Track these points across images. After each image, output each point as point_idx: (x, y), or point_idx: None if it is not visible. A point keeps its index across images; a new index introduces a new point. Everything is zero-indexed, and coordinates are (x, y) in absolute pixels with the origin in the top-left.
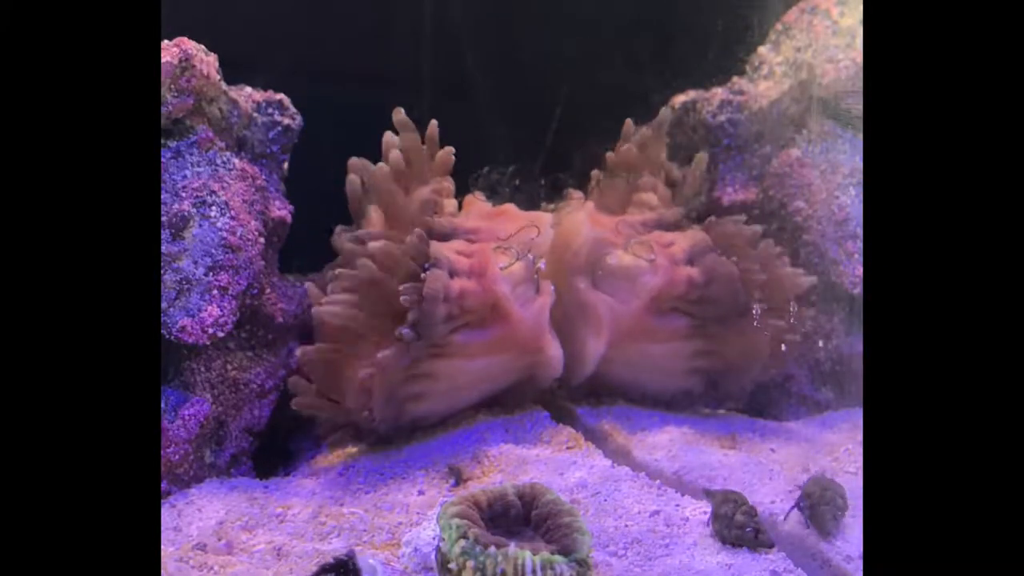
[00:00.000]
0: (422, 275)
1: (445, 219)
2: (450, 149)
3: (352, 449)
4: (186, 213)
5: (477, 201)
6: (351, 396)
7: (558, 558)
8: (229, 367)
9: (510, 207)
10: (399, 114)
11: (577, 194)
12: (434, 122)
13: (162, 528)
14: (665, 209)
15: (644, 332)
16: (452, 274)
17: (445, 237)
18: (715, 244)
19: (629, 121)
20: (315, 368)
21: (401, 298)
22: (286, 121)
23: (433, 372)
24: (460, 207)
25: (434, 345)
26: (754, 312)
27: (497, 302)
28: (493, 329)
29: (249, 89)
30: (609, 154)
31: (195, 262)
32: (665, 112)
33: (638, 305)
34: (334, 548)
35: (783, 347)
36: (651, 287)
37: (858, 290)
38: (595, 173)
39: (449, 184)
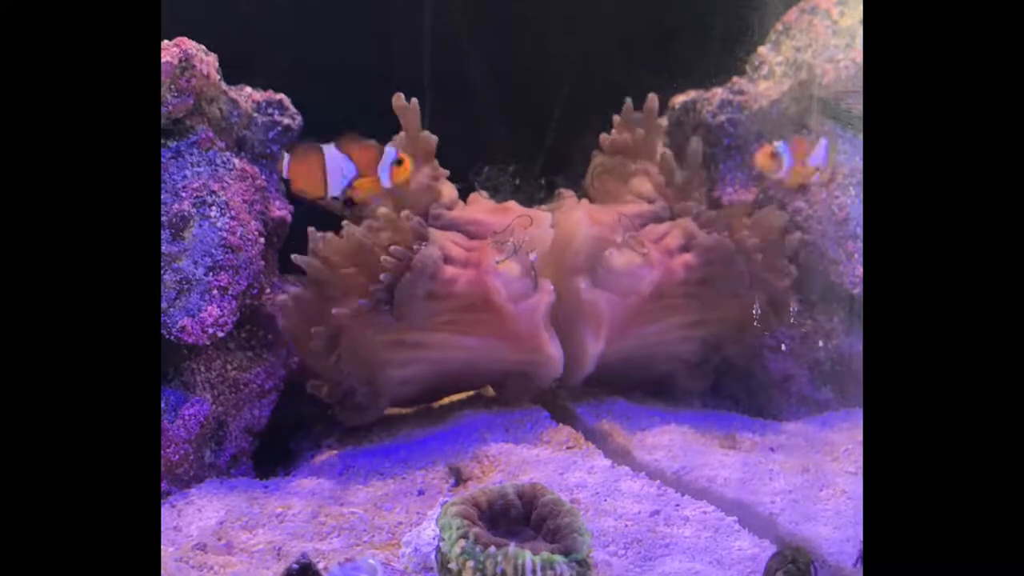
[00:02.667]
0: (414, 247)
1: (443, 210)
2: (432, 136)
3: (351, 446)
4: (186, 213)
5: (481, 199)
6: (316, 341)
7: (558, 558)
8: (229, 367)
9: (512, 204)
10: (399, 99)
11: (568, 193)
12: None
13: (162, 528)
14: (659, 197)
15: (644, 319)
16: (446, 259)
17: (443, 228)
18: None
19: (629, 101)
20: (291, 313)
21: (383, 258)
22: (286, 121)
23: (416, 342)
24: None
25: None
26: (754, 312)
27: (488, 294)
28: (483, 316)
29: (249, 89)
30: (604, 135)
31: (195, 262)
32: (652, 99)
33: (638, 299)
34: (334, 548)
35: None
36: (650, 280)
37: (858, 290)
38: (596, 159)
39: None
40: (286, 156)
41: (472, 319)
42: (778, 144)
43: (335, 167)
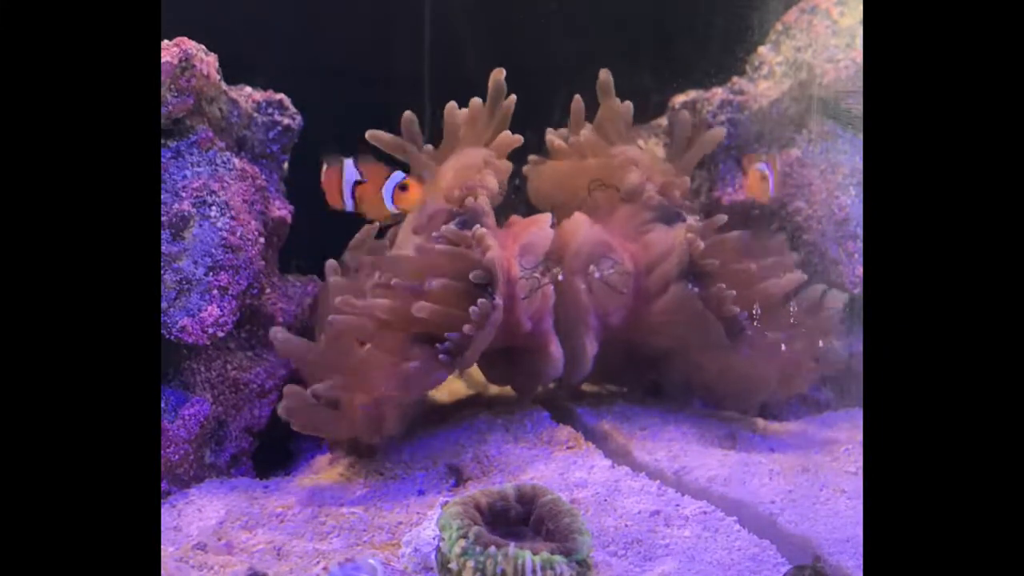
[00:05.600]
0: (492, 300)
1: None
2: (512, 99)
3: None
4: (186, 213)
5: None
6: (360, 424)
7: (558, 558)
8: (229, 367)
9: (516, 218)
10: (500, 73)
11: None
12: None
13: (162, 528)
14: (653, 187)
15: (636, 341)
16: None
17: (467, 222)
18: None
19: (578, 97)
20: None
21: (472, 309)
22: (286, 121)
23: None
24: None
25: None
26: (755, 312)
27: (518, 328)
28: (504, 342)
29: (249, 89)
30: (551, 137)
31: (195, 262)
32: (604, 73)
33: (619, 320)
34: (334, 548)
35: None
36: (617, 318)
37: (858, 290)
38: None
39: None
40: (324, 166)
41: (496, 346)
42: (761, 166)
43: (350, 182)
